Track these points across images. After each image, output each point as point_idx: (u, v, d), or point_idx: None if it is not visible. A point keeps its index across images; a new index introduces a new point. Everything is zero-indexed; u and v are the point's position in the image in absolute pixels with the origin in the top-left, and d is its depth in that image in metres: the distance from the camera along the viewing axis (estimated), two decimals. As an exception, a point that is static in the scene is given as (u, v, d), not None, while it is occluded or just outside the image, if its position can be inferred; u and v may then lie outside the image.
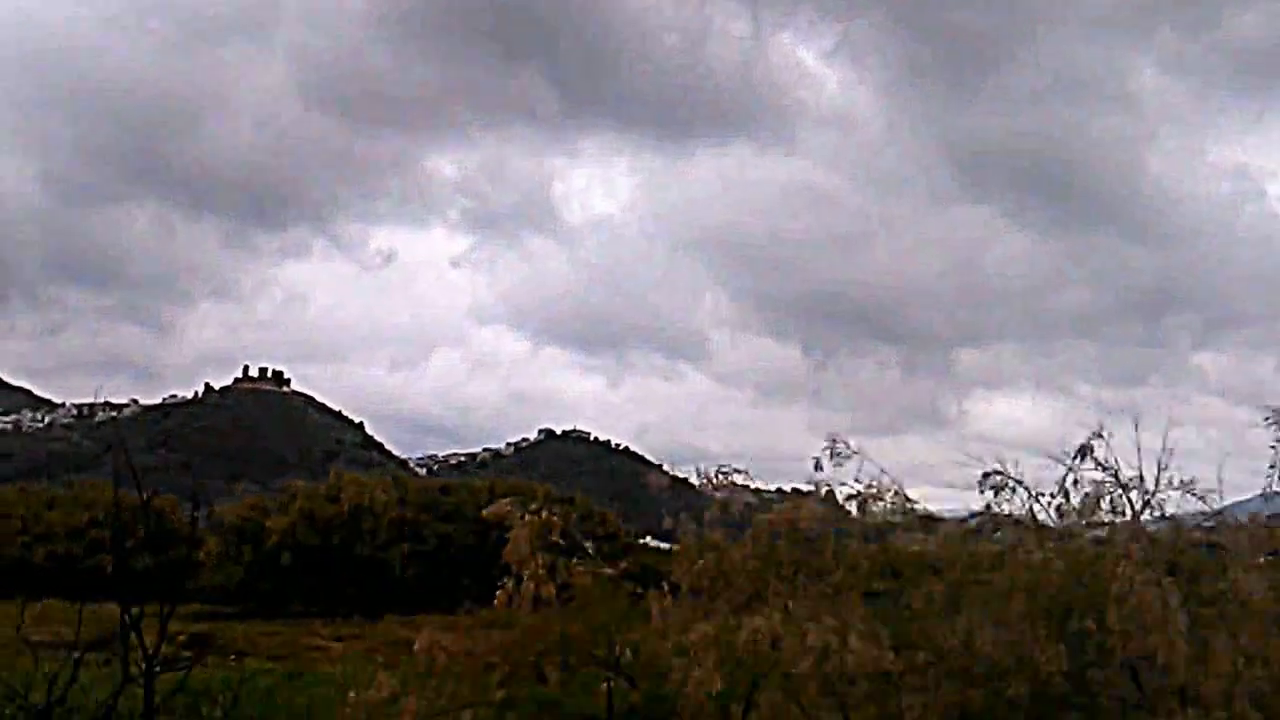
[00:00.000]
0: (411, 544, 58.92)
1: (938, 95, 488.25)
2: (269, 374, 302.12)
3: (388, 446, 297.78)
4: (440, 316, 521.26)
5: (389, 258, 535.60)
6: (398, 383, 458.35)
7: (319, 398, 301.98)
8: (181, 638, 36.83)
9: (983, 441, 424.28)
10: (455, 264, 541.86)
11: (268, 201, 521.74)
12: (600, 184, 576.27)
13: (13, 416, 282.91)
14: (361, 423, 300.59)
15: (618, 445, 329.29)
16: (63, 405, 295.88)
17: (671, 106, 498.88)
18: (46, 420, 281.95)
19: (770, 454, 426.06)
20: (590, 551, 16.80)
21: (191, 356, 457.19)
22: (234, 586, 57.21)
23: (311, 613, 52.32)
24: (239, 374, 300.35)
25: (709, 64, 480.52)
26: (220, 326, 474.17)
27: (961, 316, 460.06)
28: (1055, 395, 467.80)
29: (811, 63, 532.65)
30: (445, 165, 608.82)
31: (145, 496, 9.18)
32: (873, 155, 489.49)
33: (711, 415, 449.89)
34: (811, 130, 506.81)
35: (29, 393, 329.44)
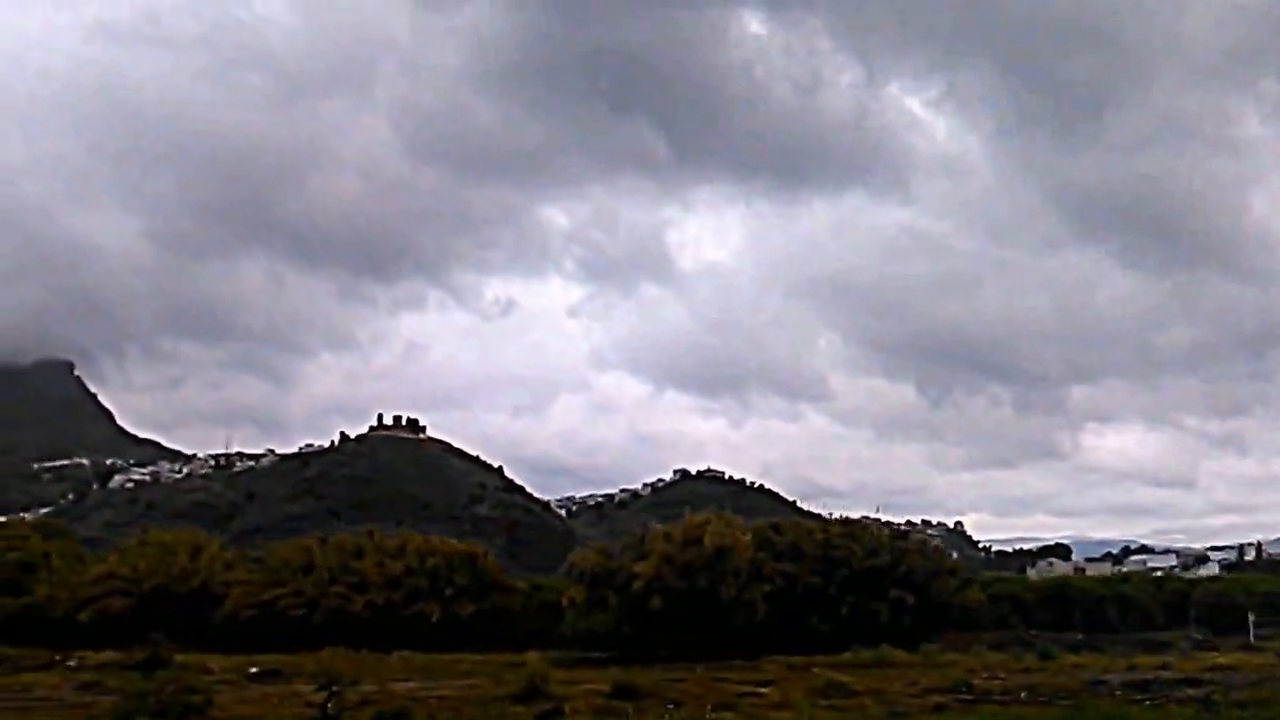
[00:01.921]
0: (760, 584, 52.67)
1: (1046, 142, 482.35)
2: (403, 421, 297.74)
3: (529, 489, 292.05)
4: (560, 364, 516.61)
5: (507, 307, 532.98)
6: (522, 428, 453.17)
7: (455, 443, 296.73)
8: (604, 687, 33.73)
9: (1096, 472, 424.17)
10: (572, 313, 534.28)
11: (379, 254, 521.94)
12: (713, 232, 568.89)
13: (150, 468, 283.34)
14: (500, 467, 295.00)
15: (752, 484, 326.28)
16: (195, 456, 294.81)
17: (784, 155, 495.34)
18: (185, 471, 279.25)
19: (892, 488, 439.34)
20: None
21: (313, 407, 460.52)
22: (600, 633, 51.57)
23: (679, 656, 46.64)
24: (373, 422, 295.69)
25: (820, 113, 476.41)
26: (340, 377, 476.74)
27: (1072, 354, 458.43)
28: (1163, 428, 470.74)
29: (920, 111, 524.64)
30: (558, 215, 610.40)
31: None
32: (984, 201, 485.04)
33: (833, 452, 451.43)
34: (923, 178, 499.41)
35: (158, 444, 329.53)
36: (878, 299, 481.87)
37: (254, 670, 40.28)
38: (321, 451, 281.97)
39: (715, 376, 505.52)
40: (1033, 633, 55.19)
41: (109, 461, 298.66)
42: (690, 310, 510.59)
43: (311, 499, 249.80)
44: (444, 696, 34.12)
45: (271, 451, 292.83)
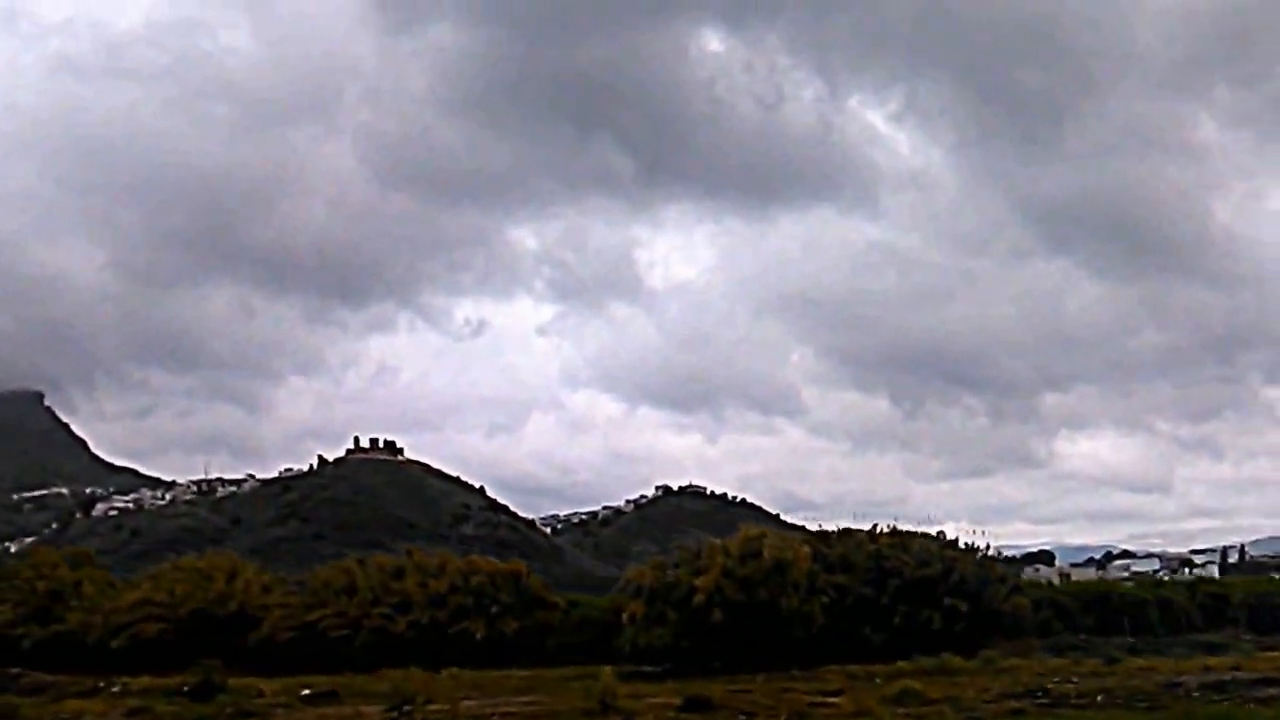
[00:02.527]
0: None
1: (1007, 153, 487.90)
2: (381, 444, 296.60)
3: (513, 508, 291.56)
4: (532, 383, 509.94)
5: (479, 328, 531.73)
6: (497, 448, 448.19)
7: (435, 464, 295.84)
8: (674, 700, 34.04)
9: (1071, 479, 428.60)
10: (542, 332, 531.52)
11: (348, 279, 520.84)
12: (681, 250, 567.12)
13: (132, 495, 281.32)
14: (482, 487, 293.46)
15: (734, 498, 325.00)
16: (174, 482, 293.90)
17: (750, 171, 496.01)
18: (167, 497, 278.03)
19: (871, 499, 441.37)
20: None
21: (287, 432, 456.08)
22: (658, 647, 51.23)
23: (735, 668, 46.87)
24: (350, 445, 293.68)
25: (784, 128, 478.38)
26: (312, 401, 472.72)
27: (1043, 363, 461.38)
28: (1137, 433, 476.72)
29: (882, 125, 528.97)
30: (527, 236, 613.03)
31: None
32: (950, 214, 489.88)
33: (811, 465, 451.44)
34: (889, 191, 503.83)
35: (135, 472, 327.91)
36: (848, 313, 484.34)
37: (307, 692, 39.96)
38: (302, 475, 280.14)
39: (688, 393, 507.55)
40: (1081, 637, 55.26)
41: (89, 490, 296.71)
42: (661, 328, 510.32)
43: (297, 522, 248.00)
44: (510, 714, 34.01)
45: (252, 476, 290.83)
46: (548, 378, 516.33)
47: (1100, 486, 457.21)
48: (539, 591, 59.42)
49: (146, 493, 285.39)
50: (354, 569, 60.04)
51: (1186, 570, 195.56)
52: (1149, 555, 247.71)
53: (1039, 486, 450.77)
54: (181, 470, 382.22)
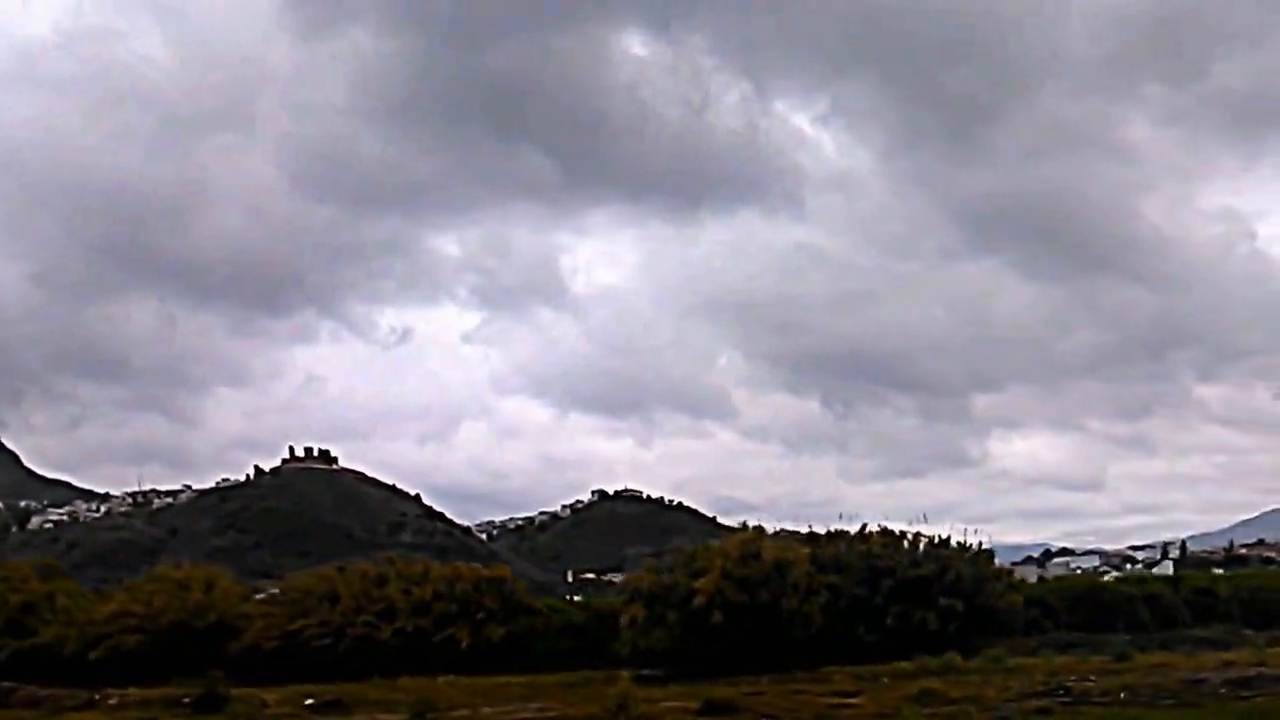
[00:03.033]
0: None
1: (936, 155, 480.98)
2: (315, 453, 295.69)
3: (449, 515, 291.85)
4: (461, 390, 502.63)
5: (404, 336, 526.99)
6: (428, 456, 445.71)
7: (370, 473, 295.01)
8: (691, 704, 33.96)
9: (1005, 478, 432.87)
10: (467, 339, 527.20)
11: (269, 288, 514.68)
12: (606, 255, 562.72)
13: (67, 508, 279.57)
14: (418, 494, 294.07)
15: (671, 502, 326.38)
16: (108, 494, 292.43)
17: (675, 175, 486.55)
18: (103, 510, 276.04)
19: (805, 500, 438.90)
20: None
21: (218, 442, 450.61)
22: (659, 650, 51.06)
23: (733, 671, 46.31)
24: (285, 455, 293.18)
25: (709, 132, 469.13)
26: (240, 411, 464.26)
27: (974, 363, 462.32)
28: (1069, 432, 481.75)
29: (808, 128, 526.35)
30: (449, 244, 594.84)
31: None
32: (878, 216, 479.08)
33: (743, 468, 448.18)
34: (815, 194, 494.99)
35: (69, 485, 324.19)
36: (777, 316, 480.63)
37: (310, 702, 39.28)
38: (239, 485, 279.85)
39: (618, 398, 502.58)
40: (1078, 634, 55.02)
41: (23, 504, 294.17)
42: (588, 334, 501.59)
43: (235, 533, 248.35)
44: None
45: (188, 487, 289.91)
46: (476, 385, 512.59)
47: (1033, 485, 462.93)
48: (522, 597, 58.87)
49: (81, 505, 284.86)
50: (334, 576, 59.18)
51: (1129, 566, 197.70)
52: (1089, 552, 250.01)
53: (972, 486, 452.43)
54: (115, 482, 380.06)
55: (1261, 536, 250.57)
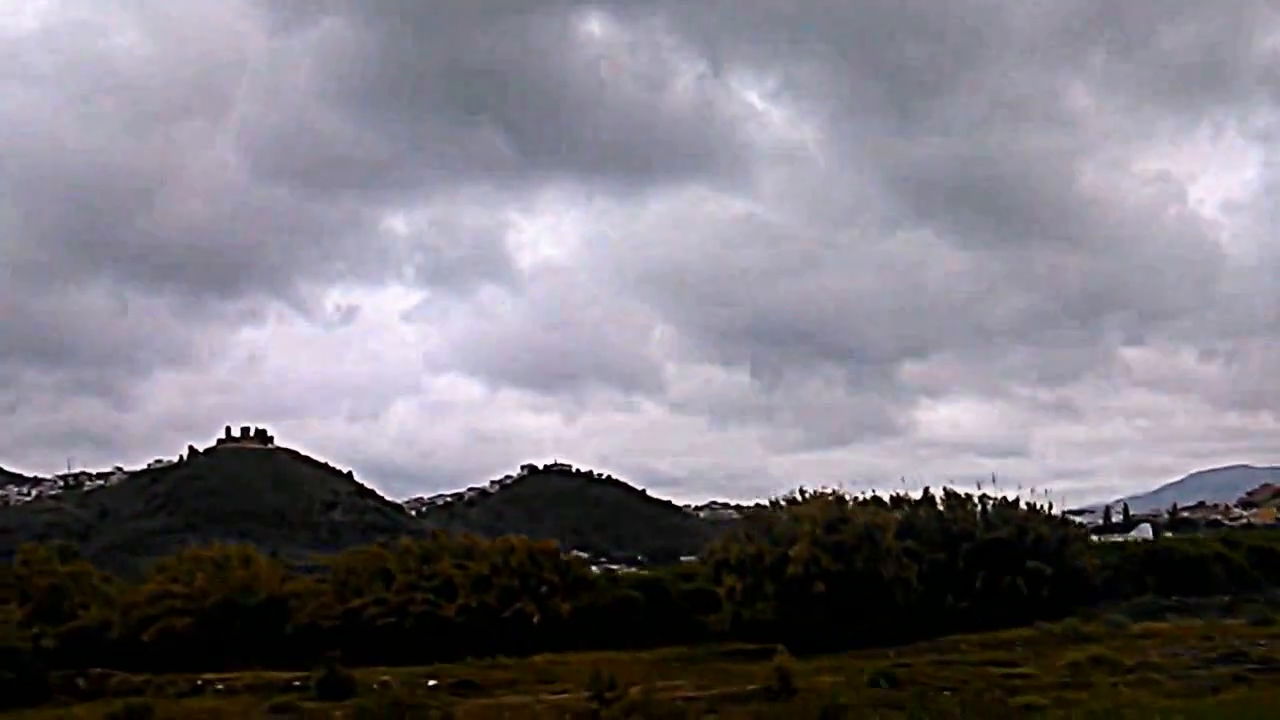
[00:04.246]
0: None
1: (880, 127, 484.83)
2: (251, 433, 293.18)
3: (380, 493, 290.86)
4: (395, 369, 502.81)
5: (348, 315, 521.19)
6: (359, 434, 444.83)
7: (304, 451, 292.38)
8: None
9: (932, 446, 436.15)
10: (407, 318, 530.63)
11: (222, 271, 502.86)
12: (551, 231, 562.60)
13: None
14: (350, 473, 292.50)
15: (600, 475, 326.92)
16: (37, 478, 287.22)
17: (628, 152, 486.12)
18: (34, 493, 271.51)
19: (731, 471, 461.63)
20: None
21: (154, 424, 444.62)
22: (763, 622, 48.42)
23: (847, 641, 44.75)
24: (221, 435, 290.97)
25: (664, 109, 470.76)
26: (179, 392, 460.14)
27: (903, 331, 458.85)
28: (995, 399, 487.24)
29: (759, 103, 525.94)
30: (399, 223, 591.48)
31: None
32: (821, 188, 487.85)
33: (669, 442, 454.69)
34: (763, 167, 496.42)
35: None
36: (713, 288, 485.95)
37: (433, 684, 37.62)
38: (172, 466, 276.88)
39: (549, 373, 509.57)
40: (1174, 598, 53.69)
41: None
42: (526, 309, 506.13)
43: (166, 514, 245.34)
44: (690, 697, 32.14)
45: (120, 469, 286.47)
46: (411, 363, 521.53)
47: (959, 452, 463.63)
48: (580, 570, 57.27)
49: (12, 489, 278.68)
50: (383, 553, 57.44)
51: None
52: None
53: (898, 454, 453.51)
54: (47, 466, 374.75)
55: (1192, 499, 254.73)
